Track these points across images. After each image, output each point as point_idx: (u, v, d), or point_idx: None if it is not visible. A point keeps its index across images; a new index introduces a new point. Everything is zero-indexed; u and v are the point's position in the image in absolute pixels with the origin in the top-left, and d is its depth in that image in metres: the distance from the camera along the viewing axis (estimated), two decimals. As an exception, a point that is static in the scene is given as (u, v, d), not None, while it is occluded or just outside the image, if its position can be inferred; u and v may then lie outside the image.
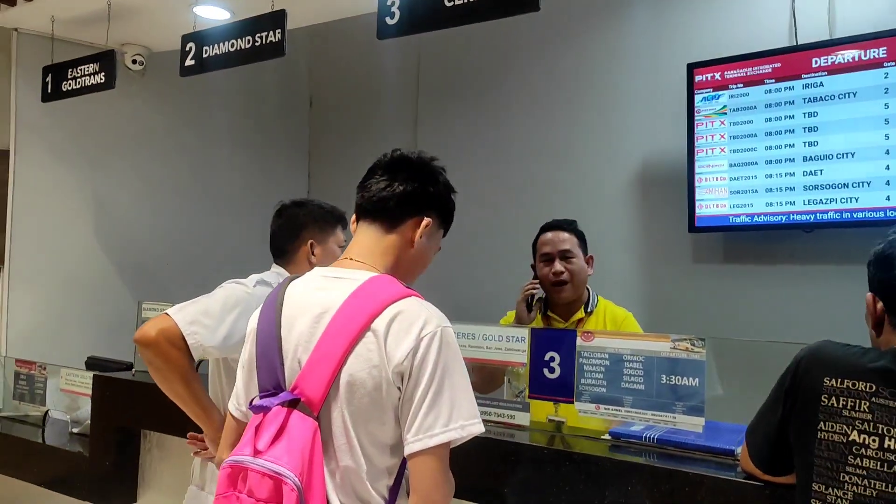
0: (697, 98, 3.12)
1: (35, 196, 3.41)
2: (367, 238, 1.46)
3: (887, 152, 2.71)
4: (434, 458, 1.29)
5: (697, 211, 3.11)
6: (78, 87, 3.07)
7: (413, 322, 1.31)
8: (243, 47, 2.54)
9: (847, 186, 2.78)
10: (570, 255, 2.51)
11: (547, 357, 2.00)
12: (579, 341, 1.95)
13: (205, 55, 2.65)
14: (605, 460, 1.70)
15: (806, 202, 2.88)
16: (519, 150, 3.73)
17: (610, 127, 3.48)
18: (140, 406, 2.56)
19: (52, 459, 2.87)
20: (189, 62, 2.69)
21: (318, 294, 1.40)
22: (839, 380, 1.28)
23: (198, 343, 1.77)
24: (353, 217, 1.51)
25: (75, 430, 3.01)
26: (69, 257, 3.53)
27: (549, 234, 2.55)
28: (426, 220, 1.48)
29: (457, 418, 1.30)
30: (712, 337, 1.83)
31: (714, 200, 3.08)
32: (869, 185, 2.74)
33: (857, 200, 2.76)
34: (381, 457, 1.34)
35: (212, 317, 1.81)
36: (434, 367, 1.30)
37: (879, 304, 1.35)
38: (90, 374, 2.75)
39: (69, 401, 3.12)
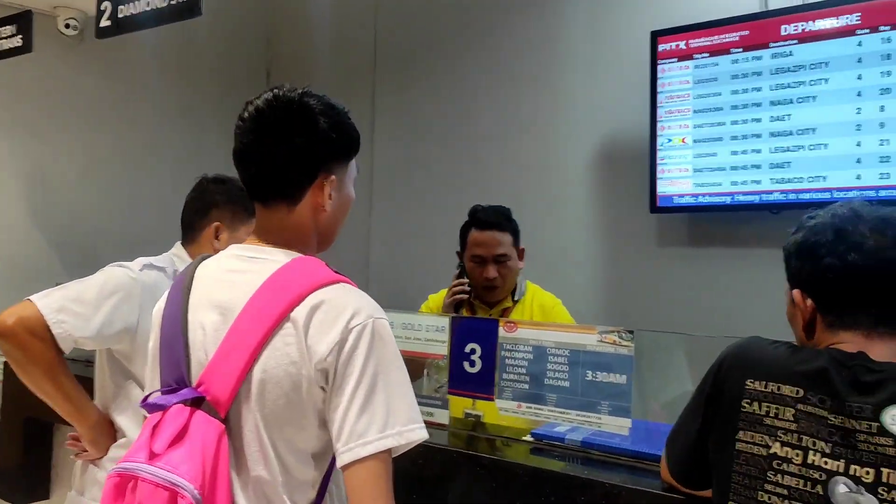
0: (661, 68, 2.91)
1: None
2: (269, 216, 1.22)
3: (859, 127, 2.50)
4: (369, 469, 1.07)
5: (659, 190, 2.91)
6: (-5, 51, 2.86)
7: (340, 312, 1.10)
8: (158, 6, 2.33)
9: (815, 165, 2.58)
10: (504, 259, 2.30)
11: (468, 349, 1.82)
12: (502, 332, 1.77)
13: (120, 15, 2.44)
14: (517, 467, 1.52)
15: (773, 181, 2.68)
16: (479, 122, 3.53)
17: (572, 100, 3.27)
18: (51, 396, 2.38)
19: (-36, 451, 2.69)
20: (105, 23, 2.48)
21: (231, 276, 1.19)
22: (763, 383, 1.10)
23: (66, 333, 1.57)
24: None
25: (-7, 420, 2.83)
26: (4, 235, 3.33)
27: (482, 235, 2.31)
28: (330, 178, 1.22)
29: (393, 423, 1.08)
30: (643, 329, 1.64)
31: (677, 179, 2.88)
32: (838, 163, 2.54)
33: (825, 179, 2.57)
34: (300, 467, 1.13)
35: (84, 304, 1.61)
36: (364, 363, 1.09)
37: (809, 301, 1.16)
38: (2, 360, 2.57)
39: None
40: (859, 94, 2.51)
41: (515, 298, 2.35)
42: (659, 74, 2.91)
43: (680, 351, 1.93)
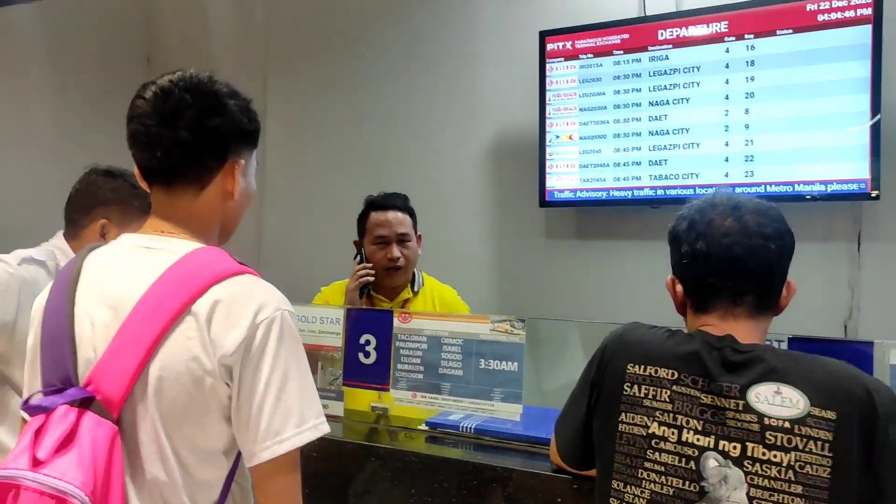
0: (549, 67, 3.01)
1: None
2: (172, 204, 1.18)
3: (727, 128, 2.69)
4: (286, 467, 1.07)
5: (548, 185, 3.01)
6: None
7: (246, 305, 1.08)
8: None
9: (689, 162, 2.76)
10: (406, 239, 2.34)
11: (363, 340, 1.83)
12: (396, 323, 1.79)
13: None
14: (411, 455, 1.55)
15: (652, 178, 2.84)
16: (371, 114, 3.52)
17: (464, 96, 3.33)
18: None
19: None
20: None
21: (124, 268, 1.13)
22: (642, 366, 1.17)
23: None
24: (138, 173, 1.21)
25: None
26: None
27: (384, 215, 2.35)
28: (240, 163, 1.20)
29: (308, 417, 1.08)
30: (533, 318, 1.71)
31: (564, 174, 3.00)
32: (709, 161, 2.72)
33: (697, 177, 2.74)
34: (202, 466, 1.10)
35: None
36: (275, 358, 1.07)
37: (679, 287, 1.25)
38: None
39: None
40: (727, 98, 2.69)
41: (415, 289, 2.38)
42: (547, 73, 3.01)
43: (569, 338, 2.02)
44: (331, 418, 1.80)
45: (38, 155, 3.50)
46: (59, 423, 1.03)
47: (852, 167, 2.50)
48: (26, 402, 1.09)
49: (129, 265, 1.15)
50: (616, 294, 2.99)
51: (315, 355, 1.87)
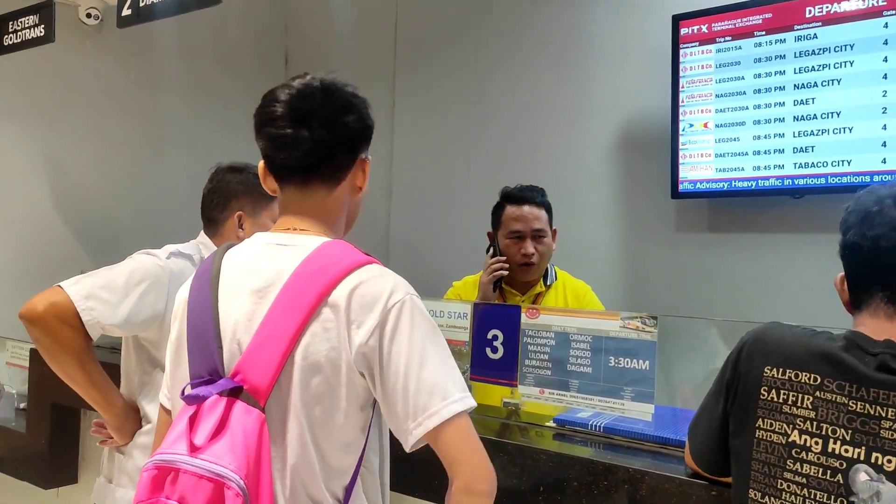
0: (683, 52, 2.88)
1: (-17, 158, 3.24)
2: (305, 201, 1.24)
3: (884, 110, 2.47)
4: (451, 431, 1.08)
5: (681, 175, 2.89)
6: (19, 41, 2.87)
7: (376, 291, 1.12)
8: (178, -6, 2.34)
9: (840, 149, 2.55)
10: (541, 235, 2.31)
11: (490, 335, 1.82)
12: (524, 318, 1.77)
13: (141, 4, 2.44)
14: (540, 453, 1.52)
15: (796, 166, 2.65)
16: (500, 108, 3.51)
17: (592, 85, 3.25)
18: (77, 382, 2.41)
19: (-6, 437, 2.73)
20: (126, 12, 2.49)
21: (261, 264, 1.19)
22: (781, 370, 1.09)
23: (94, 320, 1.59)
24: (265, 171, 1.27)
25: (21, 406, 2.87)
26: (23, 224, 3.36)
27: (518, 210, 2.32)
28: (368, 158, 1.28)
29: (452, 391, 1.09)
30: (667, 315, 1.64)
31: (699, 164, 2.86)
32: (863, 146, 2.51)
33: (849, 164, 2.53)
34: (337, 454, 1.14)
35: (113, 291, 1.63)
36: (410, 338, 1.10)
37: (846, 285, 1.16)
38: (29, 346, 2.61)
39: (23, 374, 2.98)
40: (885, 77, 2.47)
41: (547, 284, 2.34)
42: (681, 59, 2.88)
43: (702, 336, 1.92)
44: (458, 412, 1.82)
45: (188, 158, 3.74)
46: (211, 411, 1.09)
47: None
48: (182, 393, 1.15)
49: (266, 262, 1.19)
50: (752, 292, 2.83)
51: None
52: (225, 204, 1.87)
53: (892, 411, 0.99)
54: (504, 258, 2.31)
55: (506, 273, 2.29)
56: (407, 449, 1.11)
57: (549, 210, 2.35)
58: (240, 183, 1.88)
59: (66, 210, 3.51)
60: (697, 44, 2.85)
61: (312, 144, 1.20)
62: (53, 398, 2.47)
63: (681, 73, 2.88)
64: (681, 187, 2.90)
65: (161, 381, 1.70)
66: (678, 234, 3.03)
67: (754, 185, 2.74)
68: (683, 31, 2.88)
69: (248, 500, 1.04)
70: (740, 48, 2.75)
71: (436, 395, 1.08)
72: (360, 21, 4.02)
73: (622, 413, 1.62)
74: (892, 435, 0.98)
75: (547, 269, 2.36)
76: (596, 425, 1.64)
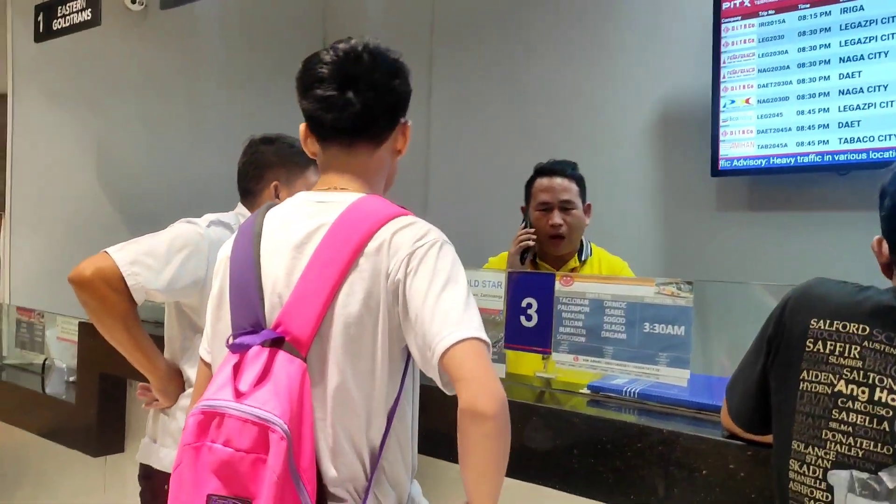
0: (725, 27, 2.83)
1: (34, 140, 3.32)
2: (349, 161, 1.27)
3: (934, 82, 2.40)
4: (460, 350, 1.04)
5: (721, 152, 2.84)
6: (67, 25, 2.95)
7: (409, 234, 1.15)
8: (220, -25, 2.38)
9: (886, 122, 2.49)
10: (570, 206, 2.29)
11: (524, 304, 1.82)
12: (558, 286, 1.77)
13: (183, -14, 2.50)
14: (573, 415, 1.53)
15: (841, 141, 2.59)
16: (536, 88, 3.49)
17: (630, 62, 3.21)
18: (124, 354, 2.49)
19: (45, 408, 2.83)
20: (169, -7, 2.55)
21: (300, 220, 1.22)
22: (828, 321, 1.08)
23: (139, 285, 1.64)
24: (307, 132, 1.30)
25: (71, 379, 2.97)
26: (71, 203, 3.46)
27: (548, 181, 2.33)
28: (408, 123, 1.32)
29: (468, 321, 1.08)
30: (703, 280, 1.62)
31: (740, 141, 2.81)
32: (912, 119, 2.44)
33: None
34: (374, 404, 1.17)
35: (156, 257, 1.68)
36: (434, 270, 1.11)
37: (885, 247, 1.14)
38: (77, 320, 2.69)
39: (73, 349, 3.08)
40: (935, 48, 2.40)
41: (582, 259, 2.34)
42: (722, 33, 2.84)
43: (740, 303, 1.90)
44: (492, 380, 1.83)
45: (231, 139, 3.79)
46: (254, 360, 1.13)
47: None
48: (227, 342, 1.19)
49: (306, 218, 1.22)
50: (794, 273, 2.73)
51: (477, 318, 1.89)
52: (261, 175, 1.91)
53: None
54: (532, 230, 2.32)
55: (531, 244, 2.31)
56: (441, 386, 1.11)
57: (580, 183, 2.34)
58: (274, 154, 1.92)
59: (111, 191, 3.60)
60: (740, 17, 2.80)
61: (361, 107, 1.22)
62: (101, 368, 2.55)
63: (722, 48, 2.83)
64: (721, 165, 2.85)
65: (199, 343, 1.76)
66: (718, 213, 2.99)
67: (797, 161, 2.69)
68: (725, 5, 2.83)
69: (291, 444, 1.07)
70: (784, 21, 2.70)
71: (450, 321, 1.07)
72: (397, 3, 4.04)
73: (657, 379, 1.61)
74: None
75: (582, 244, 2.35)
76: (630, 391, 1.63)
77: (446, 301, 1.09)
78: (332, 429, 1.16)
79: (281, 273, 1.19)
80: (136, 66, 3.61)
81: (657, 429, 1.41)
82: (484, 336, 1.08)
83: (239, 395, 1.10)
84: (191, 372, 1.77)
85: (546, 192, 2.31)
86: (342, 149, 1.27)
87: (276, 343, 1.14)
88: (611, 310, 1.68)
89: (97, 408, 2.57)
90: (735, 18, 2.81)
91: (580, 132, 3.31)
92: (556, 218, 2.27)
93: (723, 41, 2.83)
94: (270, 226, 1.25)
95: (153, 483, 1.79)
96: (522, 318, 1.83)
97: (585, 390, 1.71)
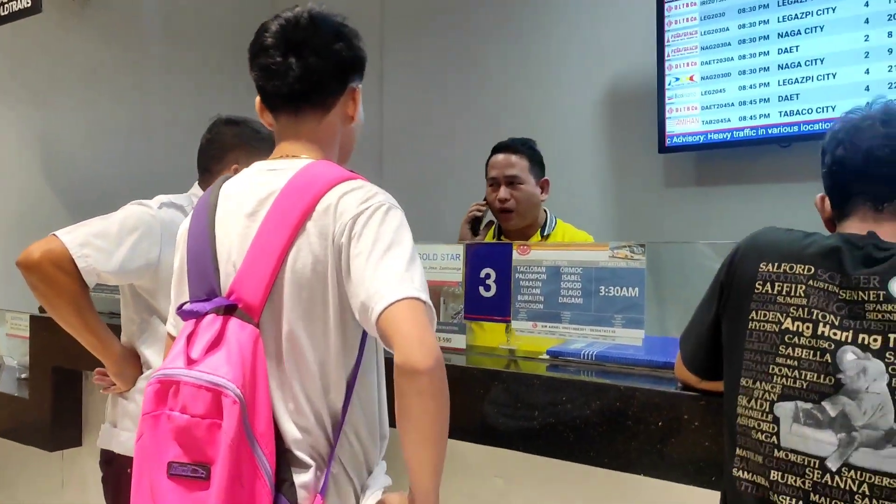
0: (668, 6, 2.90)
1: (-26, 135, 3.24)
2: (298, 128, 1.27)
3: (867, 55, 2.50)
4: (399, 308, 1.03)
5: (668, 129, 2.92)
6: (6, 13, 2.88)
7: (357, 196, 1.15)
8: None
9: (824, 95, 2.59)
10: (517, 181, 2.35)
11: (482, 274, 1.85)
12: (515, 255, 1.80)
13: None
14: (532, 378, 1.56)
15: (782, 114, 2.69)
16: (486, 71, 3.53)
17: (578, 43, 3.27)
18: (77, 345, 2.43)
19: (-3, 406, 2.76)
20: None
21: (252, 189, 1.23)
22: (776, 264, 1.13)
23: (90, 267, 1.62)
24: (260, 105, 1.30)
25: (23, 376, 2.90)
26: (14, 199, 3.37)
27: (497, 157, 2.40)
28: (358, 87, 1.31)
29: (410, 281, 1.07)
30: (655, 242, 1.67)
31: (685, 117, 2.89)
32: (847, 91, 2.54)
33: (833, 109, 2.57)
34: (331, 364, 1.18)
35: (107, 239, 1.66)
36: (378, 231, 1.11)
37: (827, 203, 1.21)
38: (28, 314, 2.63)
39: (24, 346, 3.01)
40: (867, 22, 2.50)
41: (545, 234, 2.39)
42: (665, 12, 2.91)
43: (692, 264, 1.96)
44: (453, 351, 1.86)
45: (178, 134, 3.75)
46: (207, 328, 1.14)
47: None
48: (179, 307, 1.20)
49: (258, 186, 1.23)
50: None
51: (437, 291, 1.91)
52: (221, 156, 1.90)
53: (873, 294, 1.03)
54: (484, 203, 2.42)
55: (479, 214, 2.42)
56: (383, 343, 1.08)
57: (532, 158, 2.39)
58: (235, 136, 1.91)
59: (56, 186, 3.52)
60: (682, -3, 2.88)
61: (302, 71, 1.23)
62: (54, 362, 2.50)
63: (666, 27, 2.91)
64: (668, 141, 2.93)
65: (159, 328, 1.75)
66: (667, 189, 3.07)
67: (740, 135, 2.77)
68: (668, -16, 2.90)
69: (245, 408, 1.08)
70: (724, 0, 2.78)
71: (390, 282, 1.06)
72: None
73: (614, 341, 1.65)
74: (877, 316, 1.02)
75: (546, 219, 2.40)
76: (588, 354, 1.67)
77: (388, 263, 1.09)
78: (290, 392, 1.17)
79: (235, 242, 1.20)
80: (79, 59, 3.53)
81: (614, 386, 1.45)
82: (423, 296, 1.07)
83: (191, 362, 1.11)
84: (148, 353, 1.75)
85: (493, 168, 2.39)
86: (290, 116, 1.27)
87: (229, 310, 1.15)
88: (567, 276, 1.72)
89: (52, 402, 2.52)
90: (678, -2, 2.88)
91: (531, 113, 3.36)
92: (502, 193, 2.34)
93: (666, 20, 2.90)
94: (225, 196, 1.26)
95: (115, 468, 1.77)
96: (481, 289, 1.86)
97: (545, 356, 1.75)
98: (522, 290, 1.79)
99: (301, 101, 1.26)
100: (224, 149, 1.90)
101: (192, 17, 3.93)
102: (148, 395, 1.14)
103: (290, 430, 1.17)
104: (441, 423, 1.05)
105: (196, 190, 1.92)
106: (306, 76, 1.24)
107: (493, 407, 1.61)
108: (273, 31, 1.25)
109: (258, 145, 1.87)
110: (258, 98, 1.31)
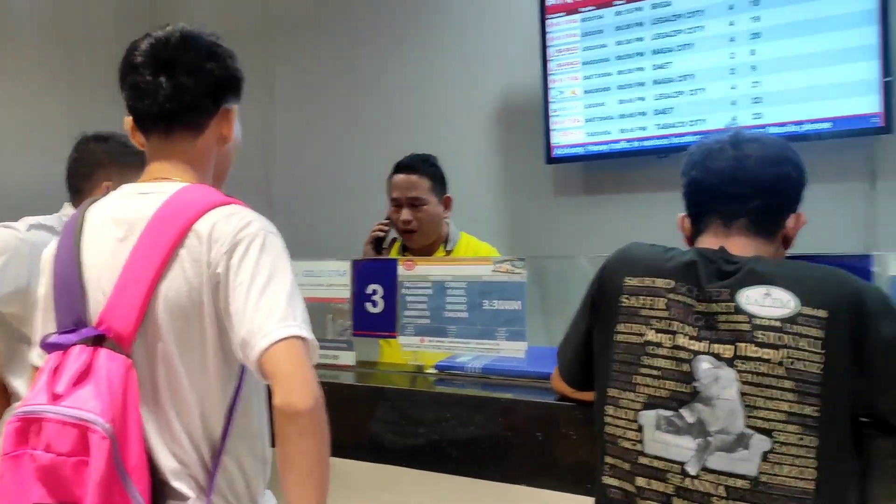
0: (550, 22, 2.99)
1: None
2: (170, 150, 1.23)
3: (732, 71, 2.66)
4: (281, 348, 1.02)
5: (554, 141, 3.01)
6: None
7: (231, 224, 1.11)
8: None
9: (695, 109, 2.73)
10: (419, 203, 2.36)
11: (369, 290, 1.85)
12: (401, 271, 1.81)
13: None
14: (417, 394, 1.58)
15: (658, 127, 2.81)
16: (378, 82, 3.53)
17: (467, 57, 3.32)
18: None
19: None
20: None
21: (123, 212, 1.18)
22: (640, 279, 1.19)
23: None
24: (132, 125, 1.26)
25: None
26: None
27: (399, 177, 2.39)
28: (233, 108, 1.27)
29: (294, 317, 1.05)
30: (535, 256, 1.72)
31: (570, 130, 2.98)
32: (715, 106, 2.69)
33: (704, 122, 2.71)
34: (208, 394, 1.13)
35: None
36: (258, 261, 1.08)
37: (687, 222, 1.28)
38: None
39: None
40: (732, 40, 2.66)
41: (448, 248, 2.40)
42: (548, 29, 2.99)
43: (574, 276, 2.02)
44: (342, 368, 1.85)
45: (50, 138, 3.55)
46: (75, 360, 1.08)
47: (864, 101, 2.46)
48: (44, 340, 1.14)
49: (128, 210, 1.19)
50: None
51: (324, 308, 1.90)
52: (90, 174, 1.82)
53: (724, 306, 1.09)
54: (387, 222, 2.42)
55: (382, 234, 2.42)
56: (264, 380, 1.07)
57: (434, 177, 2.41)
58: (105, 153, 1.83)
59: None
60: (564, 13, 2.97)
61: (173, 91, 1.20)
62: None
63: (548, 43, 2.99)
64: (554, 153, 3.01)
65: (26, 353, 1.65)
66: (555, 198, 3.16)
67: (620, 147, 2.89)
68: (549, 1, 2.99)
69: (115, 443, 1.03)
70: (602, 17, 2.89)
71: (271, 319, 1.04)
72: (229, 2, 3.95)
73: (498, 353, 1.69)
74: (728, 326, 1.08)
75: (449, 234, 2.42)
76: (473, 367, 1.70)
77: (269, 298, 1.06)
78: (166, 422, 1.13)
79: (104, 268, 1.15)
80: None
81: (496, 398, 1.48)
82: (305, 333, 1.06)
83: (56, 397, 1.05)
84: (16, 383, 1.65)
85: (396, 189, 2.38)
86: (162, 137, 1.23)
87: (98, 341, 1.10)
88: (452, 290, 1.75)
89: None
90: (559, 14, 2.97)
91: (423, 125, 3.38)
92: (405, 214, 2.34)
93: (549, 36, 2.99)
94: (92, 221, 1.21)
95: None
96: (368, 305, 1.85)
97: (432, 370, 1.76)
98: (409, 305, 1.80)
99: (173, 122, 1.22)
100: (93, 167, 1.82)
101: (67, 23, 3.74)
102: (8, 434, 1.07)
103: (167, 462, 1.13)
104: (322, 464, 1.04)
105: (67, 210, 1.83)
106: (177, 96, 1.20)
107: (379, 424, 1.61)
108: (143, 50, 1.21)
109: (129, 161, 1.80)
110: (128, 118, 1.26)
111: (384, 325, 1.83)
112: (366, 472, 1.67)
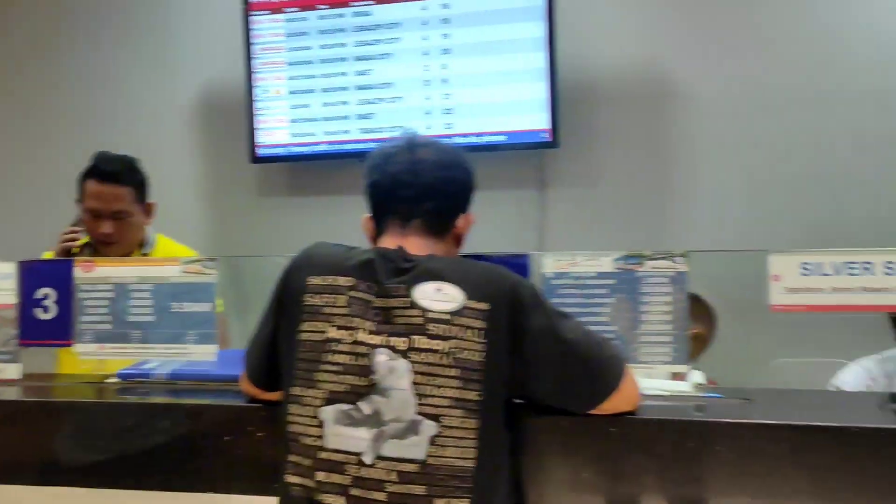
0: (254, 20, 2.94)
1: None
2: None
3: (427, 83, 2.84)
4: None
5: (258, 140, 2.97)
6: None
7: None
8: None
9: (394, 116, 2.87)
10: (122, 216, 2.16)
11: (40, 295, 1.67)
12: (79, 273, 1.65)
13: None
14: (95, 405, 1.46)
15: (361, 131, 2.92)
16: (77, 80, 3.22)
17: (169, 52, 3.15)
18: None
19: None
20: None
21: None
22: (323, 277, 1.22)
23: None
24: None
25: None
26: None
27: (100, 188, 2.15)
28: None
29: None
30: (227, 255, 1.68)
31: (275, 130, 2.97)
32: (412, 114, 2.86)
33: (402, 129, 2.85)
34: None
35: None
36: None
37: (371, 223, 1.34)
38: None
39: None
40: (426, 54, 2.84)
41: (144, 252, 2.22)
42: (252, 26, 2.95)
43: (272, 276, 2.03)
44: (6, 382, 1.64)
45: None
46: None
47: (535, 118, 2.77)
48: None
49: None
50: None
51: (-16, 316, 1.67)
52: None
53: (401, 301, 1.17)
54: (80, 229, 2.18)
55: (74, 244, 2.16)
56: None
57: (138, 186, 2.22)
58: None
59: None
60: (269, 12, 2.95)
61: None
62: None
63: (252, 41, 2.95)
64: (258, 152, 2.98)
65: None
66: (260, 199, 3.12)
67: (324, 149, 2.94)
68: (253, -1, 2.94)
69: None
70: (306, 19, 2.92)
71: None
72: None
73: (188, 357, 1.62)
74: (403, 320, 1.16)
75: (145, 238, 2.25)
76: (159, 373, 1.61)
77: None
78: None
79: None
80: None
81: (181, 404, 1.42)
82: None
83: None
84: None
85: (97, 200, 2.14)
86: None
87: None
88: (137, 293, 1.64)
89: None
90: (264, 12, 2.94)
91: (123, 122, 3.16)
92: (107, 228, 2.13)
93: (253, 33, 2.94)
94: None
95: None
96: (39, 311, 1.67)
97: (115, 379, 1.64)
98: (87, 310, 1.65)
99: None
100: None
101: None
102: None
103: None
104: None
105: None
106: None
107: (51, 442, 1.46)
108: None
109: None
110: None
111: (58, 332, 1.66)
112: (36, 498, 1.51)
